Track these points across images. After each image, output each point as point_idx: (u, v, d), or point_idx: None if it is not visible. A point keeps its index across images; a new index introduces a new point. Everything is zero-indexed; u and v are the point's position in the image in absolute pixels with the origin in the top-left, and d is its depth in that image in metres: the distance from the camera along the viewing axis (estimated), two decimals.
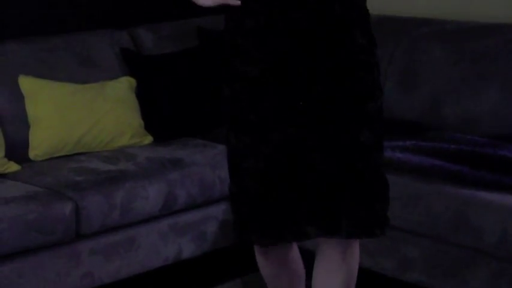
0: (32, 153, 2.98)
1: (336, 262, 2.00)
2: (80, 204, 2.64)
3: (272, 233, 1.93)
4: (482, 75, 3.06)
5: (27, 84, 3.03)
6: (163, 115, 3.19)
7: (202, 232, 2.99)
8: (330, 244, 1.98)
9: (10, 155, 2.90)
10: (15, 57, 3.09)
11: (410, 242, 2.70)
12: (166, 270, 2.92)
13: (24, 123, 3.01)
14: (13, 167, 2.86)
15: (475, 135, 2.89)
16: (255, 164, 1.89)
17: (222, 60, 1.97)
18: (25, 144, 2.99)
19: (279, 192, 1.89)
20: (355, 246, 2.01)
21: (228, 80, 1.94)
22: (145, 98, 3.22)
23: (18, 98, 3.01)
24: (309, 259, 2.14)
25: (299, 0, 1.83)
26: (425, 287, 2.67)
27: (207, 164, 2.94)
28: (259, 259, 2.10)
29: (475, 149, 2.72)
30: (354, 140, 1.86)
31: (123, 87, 3.18)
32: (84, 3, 3.46)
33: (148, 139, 3.17)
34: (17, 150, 2.96)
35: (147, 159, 2.96)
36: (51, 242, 2.58)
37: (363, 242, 2.87)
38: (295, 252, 2.13)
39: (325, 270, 2.02)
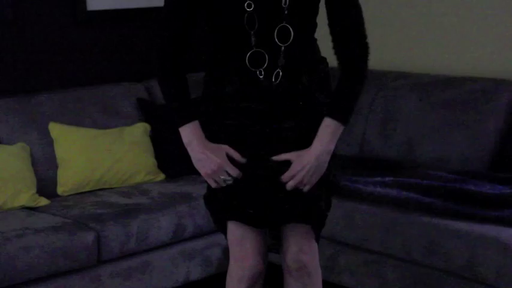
0: (60, 190, 3.09)
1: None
2: (101, 234, 2.74)
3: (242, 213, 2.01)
4: (451, 122, 3.12)
5: (56, 129, 3.14)
6: (174, 156, 3.23)
7: (208, 257, 3.05)
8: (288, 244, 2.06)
9: (41, 191, 3.01)
10: (47, 106, 3.20)
11: (389, 265, 2.78)
12: None
13: (53, 163, 3.11)
14: (43, 201, 2.97)
15: (445, 172, 2.95)
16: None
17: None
18: (54, 182, 3.09)
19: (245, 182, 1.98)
20: (312, 243, 2.07)
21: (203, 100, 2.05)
22: (158, 141, 3.32)
23: (48, 142, 3.12)
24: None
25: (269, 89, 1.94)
26: None
27: None
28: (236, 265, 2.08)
29: (445, 184, 2.79)
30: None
31: (139, 131, 3.28)
32: (105, 59, 3.58)
33: (161, 176, 3.27)
34: (47, 187, 3.07)
35: (160, 194, 3.05)
36: (76, 266, 2.68)
37: (347, 264, 2.85)
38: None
39: (290, 275, 2.11)
